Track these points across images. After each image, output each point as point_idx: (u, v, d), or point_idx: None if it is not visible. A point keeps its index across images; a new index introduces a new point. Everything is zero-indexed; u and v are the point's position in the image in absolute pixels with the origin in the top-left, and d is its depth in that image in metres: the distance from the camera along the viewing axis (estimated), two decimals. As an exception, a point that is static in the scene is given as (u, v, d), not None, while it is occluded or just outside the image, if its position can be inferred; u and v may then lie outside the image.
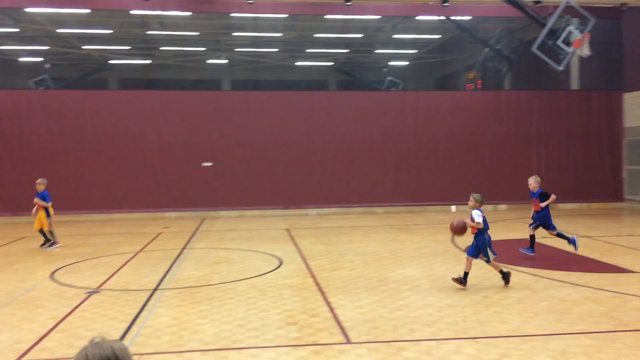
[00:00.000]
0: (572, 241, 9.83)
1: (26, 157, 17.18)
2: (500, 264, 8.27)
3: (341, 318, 6.60)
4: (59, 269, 9.69)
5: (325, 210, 18.18)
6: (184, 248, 11.81)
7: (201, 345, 5.73)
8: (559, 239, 10.22)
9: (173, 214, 17.72)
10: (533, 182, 10.11)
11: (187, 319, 6.62)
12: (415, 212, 18.01)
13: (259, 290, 8.00)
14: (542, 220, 9.95)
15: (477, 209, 7.87)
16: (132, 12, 18.75)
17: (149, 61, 27.16)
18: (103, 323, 6.49)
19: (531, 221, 10.14)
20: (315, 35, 23.85)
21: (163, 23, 21.84)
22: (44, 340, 5.92)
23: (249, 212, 17.99)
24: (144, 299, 7.54)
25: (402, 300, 7.38)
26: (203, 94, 19.70)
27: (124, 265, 10.04)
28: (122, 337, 5.98)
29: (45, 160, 17.18)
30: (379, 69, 27.90)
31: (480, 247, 7.82)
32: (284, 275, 9.01)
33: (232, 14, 19.25)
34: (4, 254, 11.41)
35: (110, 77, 28.17)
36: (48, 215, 11.74)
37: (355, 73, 29.17)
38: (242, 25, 22.43)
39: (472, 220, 7.78)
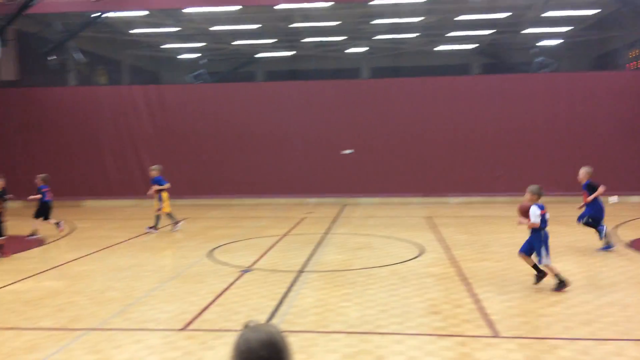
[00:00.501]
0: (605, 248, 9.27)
1: (187, 146, 18.85)
2: (557, 268, 7.23)
3: (488, 311, 6.38)
4: (215, 248, 10.55)
5: (468, 199, 17.61)
6: (326, 233, 12.20)
7: (345, 327, 5.91)
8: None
9: (314, 200, 18.35)
10: (582, 173, 9.47)
11: (331, 302, 6.85)
12: (568, 202, 16.72)
13: (400, 277, 8.02)
14: (593, 213, 9.26)
15: (536, 204, 7.11)
16: (278, 7, 19.60)
17: (292, 53, 28.25)
18: (255, 300, 6.96)
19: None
20: (457, 18, 23.02)
21: (306, 15, 22.54)
22: (205, 312, 6.51)
23: (389, 200, 18.03)
24: (291, 280, 7.94)
25: (555, 296, 6.94)
26: (343, 83, 20.03)
27: (271, 247, 10.65)
28: (272, 314, 6.37)
29: (202, 149, 18.73)
30: (527, 50, 26.16)
31: (535, 245, 7.14)
32: (426, 263, 8.92)
33: (371, 2, 19.28)
34: (170, 234, 12.70)
35: (258, 69, 29.80)
36: (160, 199, 12.78)
37: (501, 55, 27.68)
38: (382, 12, 22.35)
39: (528, 217, 7.05)
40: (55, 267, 9.20)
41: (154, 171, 13.05)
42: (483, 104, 17.64)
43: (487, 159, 17.62)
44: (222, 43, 26.66)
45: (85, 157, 19.02)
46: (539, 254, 7.13)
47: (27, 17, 17.91)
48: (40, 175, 12.61)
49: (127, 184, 19.06)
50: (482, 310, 6.41)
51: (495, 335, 5.60)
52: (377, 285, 7.60)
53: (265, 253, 10.04)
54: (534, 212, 7.05)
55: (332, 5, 20.22)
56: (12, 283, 8.10)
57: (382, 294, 7.13)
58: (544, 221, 7.12)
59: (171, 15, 22.01)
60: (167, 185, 12.86)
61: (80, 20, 20.82)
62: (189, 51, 27.74)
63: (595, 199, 9.30)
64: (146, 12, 20.69)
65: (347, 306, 6.64)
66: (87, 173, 19.12)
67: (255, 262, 9.23)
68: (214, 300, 6.96)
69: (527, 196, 7.24)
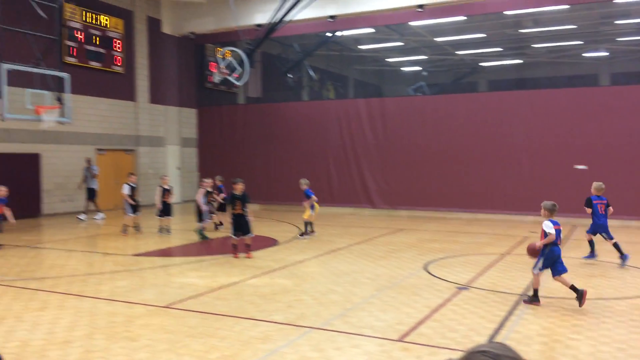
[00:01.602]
0: (623, 257, 9.84)
1: (406, 157, 19.19)
2: (570, 281, 7.34)
3: None
4: (431, 262, 10.50)
5: None
6: (552, 255, 11.22)
7: (575, 364, 5.35)
8: None
9: (532, 218, 17.04)
10: (593, 187, 10.24)
11: (559, 332, 6.27)
12: None
13: (645, 314, 6.98)
14: (596, 228, 10.02)
15: (549, 220, 7.33)
16: (506, 12, 18.80)
17: (520, 61, 26.80)
18: (472, 320, 6.72)
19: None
20: None
21: (536, 20, 21.21)
22: (421, 326, 6.51)
23: (632, 223, 15.85)
24: (512, 303, 7.49)
25: None
26: (579, 91, 18.29)
27: (491, 265, 10.19)
28: (492, 337, 6.08)
29: (421, 160, 18.86)
30: None
31: (548, 260, 7.28)
32: (679, 302, 7.61)
33: (615, 0, 17.27)
34: (386, 243, 13.03)
35: (480, 79, 28.94)
36: (312, 207, 13.38)
37: None
38: (627, 11, 19.89)
39: (542, 232, 7.29)
40: (286, 266, 10.13)
41: (304, 185, 13.67)
42: None
43: None
44: (445, 54, 26.55)
45: (311, 166, 20.64)
46: (535, 263, 7.36)
47: (271, 40, 20.18)
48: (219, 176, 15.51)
49: (348, 192, 20.15)
50: None
51: None
52: (614, 319, 6.73)
53: (483, 271, 9.66)
54: (549, 226, 7.25)
55: (568, 8, 18.70)
56: (252, 278, 9.16)
57: (620, 330, 6.29)
58: (558, 235, 7.28)
59: (396, 30, 22.68)
60: (313, 198, 13.49)
61: (315, 41, 22.75)
62: (411, 64, 28.24)
63: (595, 214, 10.12)
64: (372, 30, 21.70)
65: (578, 339, 6.01)
66: (313, 180, 20.71)
67: (472, 280, 8.94)
68: (429, 315, 6.92)
69: (542, 212, 7.48)
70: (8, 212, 12.06)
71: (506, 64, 27.40)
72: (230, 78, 17.20)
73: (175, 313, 7.04)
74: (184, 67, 24.04)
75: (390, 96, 22.38)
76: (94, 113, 20.05)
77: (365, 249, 12.05)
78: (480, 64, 27.63)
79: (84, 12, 19.41)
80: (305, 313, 7.00)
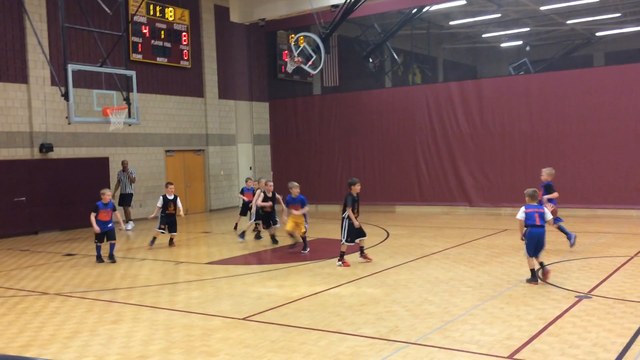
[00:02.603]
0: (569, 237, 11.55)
1: (508, 147, 18.56)
2: (536, 263, 9.03)
3: None
4: (543, 266, 10.07)
5: None
6: (695, 258, 10.46)
7: None
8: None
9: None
10: (544, 173, 11.92)
11: None
12: None
13: None
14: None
15: (525, 205, 9.08)
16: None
17: (644, 27, 25.22)
18: (597, 334, 6.38)
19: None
20: None
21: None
22: (535, 341, 6.25)
23: None
24: (646, 314, 7.04)
25: None
26: None
27: (616, 269, 9.66)
28: (622, 354, 5.74)
29: (527, 149, 18.18)
30: None
31: (529, 242, 8.93)
32: None
33: None
34: (487, 246, 12.68)
35: (596, 52, 27.50)
36: (306, 220, 12.46)
37: None
38: None
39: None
40: (373, 273, 10.10)
41: (296, 189, 12.47)
42: None
43: None
44: (552, 24, 25.45)
45: (398, 160, 20.47)
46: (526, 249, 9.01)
47: (348, 22, 20.19)
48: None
49: (440, 189, 19.82)
50: None
51: None
52: None
53: (608, 277, 9.16)
54: (521, 210, 9.07)
55: None
56: (335, 287, 9.20)
57: None
58: (531, 219, 8.91)
59: (492, 0, 22.02)
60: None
61: (397, 19, 22.52)
62: (510, 39, 27.33)
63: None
64: (464, 2, 21.15)
65: None
66: (400, 177, 20.55)
67: (595, 287, 8.50)
68: (545, 328, 6.64)
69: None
70: (118, 216, 12.67)
71: (627, 32, 25.82)
72: (304, 67, 17.38)
73: (255, 326, 7.20)
74: (255, 58, 24.63)
75: (488, 77, 21.76)
76: (161, 112, 20.99)
77: (463, 253, 11.80)
78: (597, 33, 26.21)
79: (149, 5, 20.33)
80: (398, 326, 6.94)
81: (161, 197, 13.95)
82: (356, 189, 10.95)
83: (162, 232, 13.91)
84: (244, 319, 7.51)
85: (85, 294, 9.32)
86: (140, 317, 7.78)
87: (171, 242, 14.07)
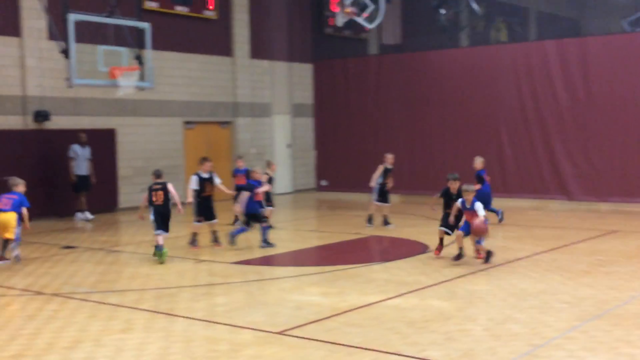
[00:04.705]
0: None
1: (621, 126, 18.15)
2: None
3: None
4: (663, 280, 9.90)
5: None
6: None
7: None
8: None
9: None
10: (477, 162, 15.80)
11: None
12: None
13: None
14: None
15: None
16: None
17: None
18: None
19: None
20: None
21: None
22: (650, 374, 6.16)
23: None
24: None
25: None
26: None
27: None
28: None
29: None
30: None
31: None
32: None
33: None
34: (591, 252, 12.48)
35: None
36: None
37: None
38: None
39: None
40: (441, 282, 10.08)
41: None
42: None
43: None
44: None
45: (475, 140, 20.25)
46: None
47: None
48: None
49: (529, 177, 19.63)
50: None
51: None
52: None
53: None
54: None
55: None
56: (394, 297, 9.22)
57: None
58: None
59: None
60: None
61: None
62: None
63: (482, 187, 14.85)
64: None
65: None
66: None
67: None
68: (662, 359, 6.54)
69: None
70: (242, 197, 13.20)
71: None
72: (358, 19, 17.35)
73: (293, 342, 7.28)
74: (296, 8, 24.64)
75: (595, 34, 21.25)
76: (180, 74, 21.28)
77: (558, 260, 11.69)
78: None
79: (166, -60, 20.59)
80: (474, 349, 6.93)
81: (195, 177, 13.26)
82: (454, 186, 11.83)
83: (199, 224, 13.28)
84: (279, 332, 7.61)
85: (88, 296, 9.59)
86: (154, 327, 7.96)
87: (216, 239, 13.32)
